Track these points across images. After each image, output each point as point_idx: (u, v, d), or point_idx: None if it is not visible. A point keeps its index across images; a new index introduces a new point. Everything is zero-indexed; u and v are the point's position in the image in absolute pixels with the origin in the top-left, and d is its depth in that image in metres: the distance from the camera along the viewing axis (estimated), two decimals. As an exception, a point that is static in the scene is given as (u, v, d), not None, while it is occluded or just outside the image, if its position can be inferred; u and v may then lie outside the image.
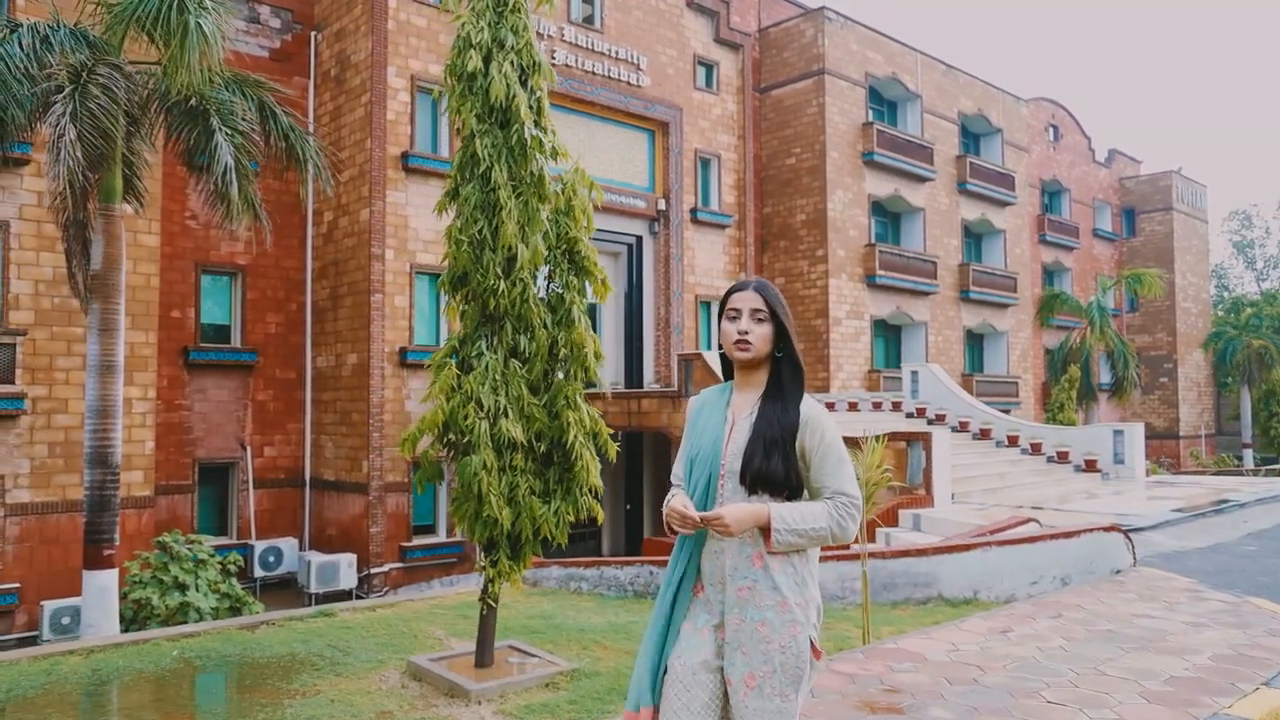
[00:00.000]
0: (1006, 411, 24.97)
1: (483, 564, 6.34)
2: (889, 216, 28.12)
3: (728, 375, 3.12)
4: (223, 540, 17.48)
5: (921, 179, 27.48)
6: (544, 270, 6.49)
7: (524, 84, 6.44)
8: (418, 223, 18.04)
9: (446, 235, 6.42)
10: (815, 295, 25.19)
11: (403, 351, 17.58)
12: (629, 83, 21.35)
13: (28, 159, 13.87)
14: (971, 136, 31.17)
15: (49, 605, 13.68)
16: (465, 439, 6.03)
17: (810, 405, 2.91)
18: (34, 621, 14.03)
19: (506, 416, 6.02)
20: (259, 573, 17.00)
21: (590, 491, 6.47)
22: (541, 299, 6.45)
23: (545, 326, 6.26)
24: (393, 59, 17.75)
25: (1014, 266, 30.98)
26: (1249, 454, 38.32)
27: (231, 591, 13.18)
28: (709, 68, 23.70)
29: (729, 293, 3.02)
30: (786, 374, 2.94)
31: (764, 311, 2.91)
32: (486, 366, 6.08)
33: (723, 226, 23.75)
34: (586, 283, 6.61)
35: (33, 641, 13.75)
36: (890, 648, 6.12)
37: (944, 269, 28.04)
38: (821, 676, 5.48)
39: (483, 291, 6.13)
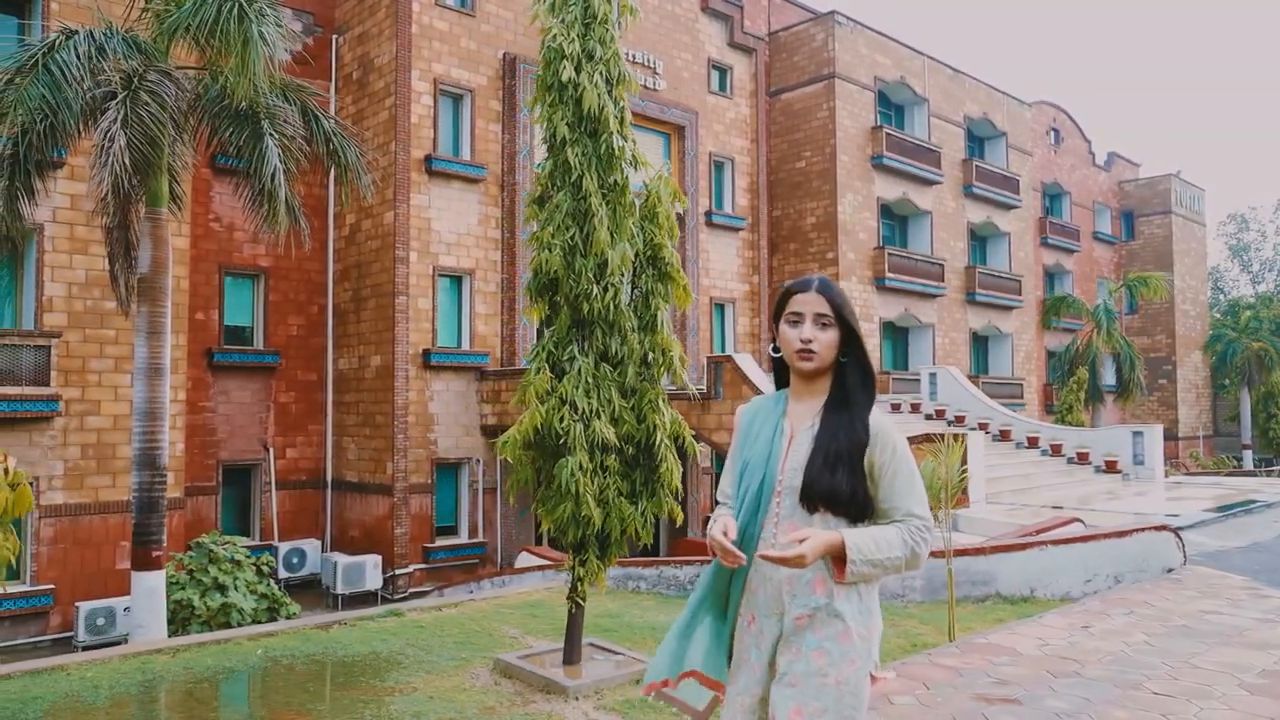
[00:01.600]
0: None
1: (571, 564, 6.47)
2: (896, 219, 28.35)
3: (780, 381, 2.84)
4: (245, 542, 17.53)
5: (929, 182, 27.72)
6: (626, 275, 6.61)
7: (610, 94, 6.57)
8: (440, 225, 18.15)
9: (533, 241, 6.54)
10: (825, 297, 25.33)
11: (426, 353, 17.68)
12: (646, 86, 21.48)
13: (62, 162, 13.91)
14: (976, 140, 31.44)
15: (84, 606, 13.72)
16: (560, 441, 6.15)
17: (880, 417, 2.64)
18: (68, 623, 14.07)
19: (599, 419, 6.15)
20: (283, 574, 17.05)
21: (673, 493, 6.61)
22: (628, 304, 6.58)
23: (635, 330, 6.39)
24: (416, 62, 17.85)
25: (1018, 269, 31.27)
26: (1249, 455, 38.74)
27: (269, 592, 13.26)
28: (723, 72, 23.87)
29: (788, 292, 2.71)
30: (854, 381, 2.67)
31: (829, 316, 2.62)
32: (579, 370, 6.21)
33: (736, 229, 23.92)
34: (669, 288, 6.74)
35: (67, 643, 13.80)
36: (981, 643, 6.30)
37: (950, 271, 28.29)
38: (925, 669, 5.65)
39: (575, 297, 6.26)
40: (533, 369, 6.38)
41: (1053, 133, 36.62)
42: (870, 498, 2.57)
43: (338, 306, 19.01)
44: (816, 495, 2.54)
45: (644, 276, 6.63)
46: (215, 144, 11.39)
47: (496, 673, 6.47)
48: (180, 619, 12.42)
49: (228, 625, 12.50)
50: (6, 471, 4.33)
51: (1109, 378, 30.32)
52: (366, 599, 16.94)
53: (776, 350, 2.77)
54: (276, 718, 5.57)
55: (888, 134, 26.11)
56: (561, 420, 6.11)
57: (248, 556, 13.50)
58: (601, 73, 6.50)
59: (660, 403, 6.53)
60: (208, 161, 16.81)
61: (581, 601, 6.52)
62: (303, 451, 18.78)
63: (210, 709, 5.75)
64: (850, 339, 2.65)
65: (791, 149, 26.04)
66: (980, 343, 30.69)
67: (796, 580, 2.56)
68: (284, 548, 17.44)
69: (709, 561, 2.78)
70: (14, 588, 13.88)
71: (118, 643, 13.60)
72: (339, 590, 16.47)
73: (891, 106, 28.41)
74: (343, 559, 16.72)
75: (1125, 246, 40.58)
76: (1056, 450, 17.64)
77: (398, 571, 17.14)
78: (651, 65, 21.72)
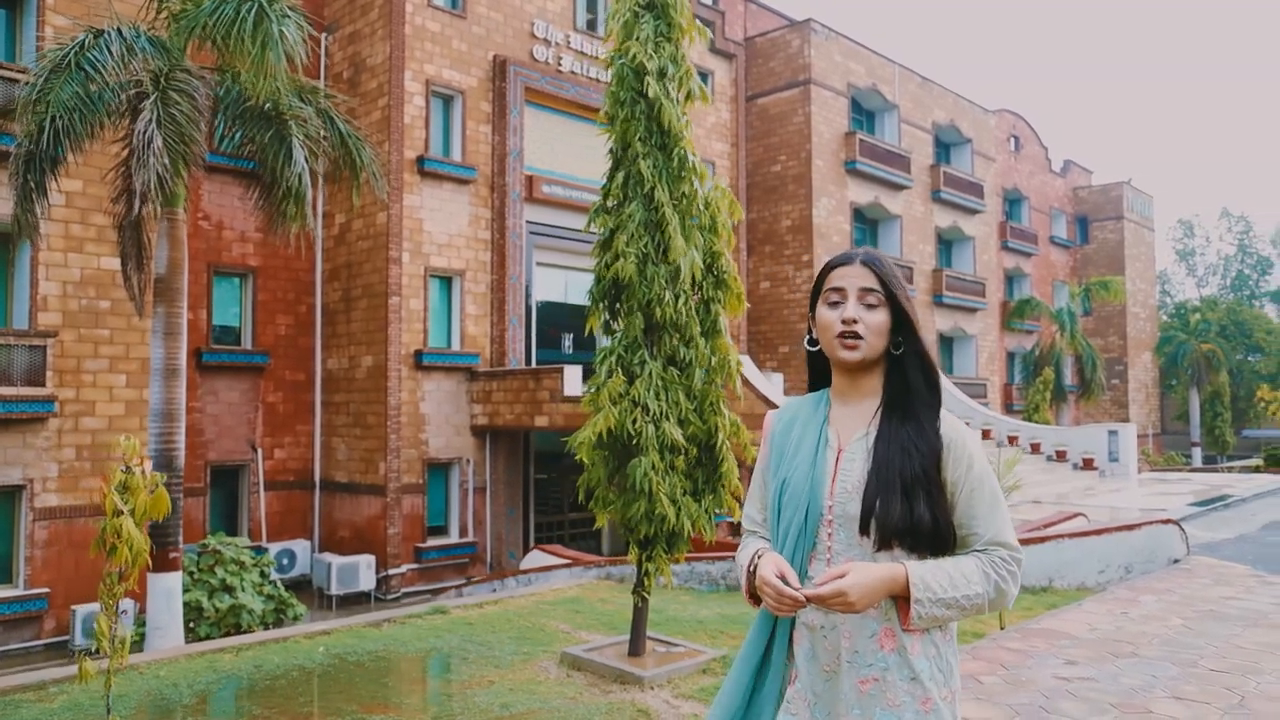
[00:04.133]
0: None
1: (638, 559, 6.68)
2: (868, 223, 28.92)
3: (817, 381, 2.33)
4: (242, 544, 17.43)
5: (899, 187, 28.33)
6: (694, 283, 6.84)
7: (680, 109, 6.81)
8: (432, 226, 18.19)
9: (601, 248, 6.75)
10: (800, 300, 25.82)
11: (418, 354, 17.72)
12: (630, 90, 21.69)
13: (58, 159, 13.73)
14: (944, 146, 32.18)
15: (80, 610, 13.58)
16: (633, 441, 6.37)
17: (953, 423, 2.14)
18: (63, 627, 13.92)
19: (668, 420, 6.38)
20: (273, 575, 16.96)
21: (733, 492, 6.86)
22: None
23: (701, 335, 6.63)
24: (409, 63, 17.87)
25: (982, 272, 32.07)
26: (1197, 452, 40.12)
27: (275, 593, 13.26)
28: (704, 76, 24.16)
29: (828, 268, 2.21)
30: (916, 377, 2.14)
31: (879, 293, 2.12)
32: (650, 374, 6.43)
33: (716, 232, 24.21)
34: (725, 295, 6.98)
35: (62, 648, 13.65)
36: (1036, 628, 6.68)
37: (919, 274, 28.95)
38: (996, 652, 6.00)
39: (647, 303, 6.48)
40: (602, 371, 6.58)
41: (1013, 140, 37.58)
42: (953, 528, 2.07)
43: (327, 306, 18.96)
44: (889, 530, 2.01)
45: (705, 284, 6.86)
46: (241, 145, 11.37)
47: (565, 666, 6.66)
48: (187, 621, 12.37)
49: (238, 626, 12.49)
50: (144, 474, 4.45)
51: (1068, 377, 31.31)
52: (360, 600, 16.95)
53: (813, 343, 2.26)
54: (369, 711, 5.71)
55: (861, 139, 26.65)
56: (634, 422, 6.33)
57: (252, 557, 13.48)
58: (675, 88, 6.73)
59: (721, 405, 6.77)
60: (199, 162, 16.65)
61: (647, 596, 6.75)
62: (291, 452, 18.70)
63: (302, 704, 5.86)
64: (904, 324, 2.14)
65: (768, 153, 26.46)
66: (946, 344, 31.42)
67: (859, 632, 2.03)
68: (274, 549, 17.34)
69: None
70: (7, 592, 13.69)
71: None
72: (333, 591, 16.46)
73: (863, 112, 28.99)
74: (337, 560, 16.70)
75: (1080, 250, 41.75)
76: (1036, 448, 18.26)
77: (391, 572, 17.16)
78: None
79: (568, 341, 21.57)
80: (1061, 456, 17.84)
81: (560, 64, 20.33)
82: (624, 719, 5.49)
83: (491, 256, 19.08)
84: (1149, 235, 43.82)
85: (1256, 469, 27.20)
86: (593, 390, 6.65)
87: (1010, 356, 34.64)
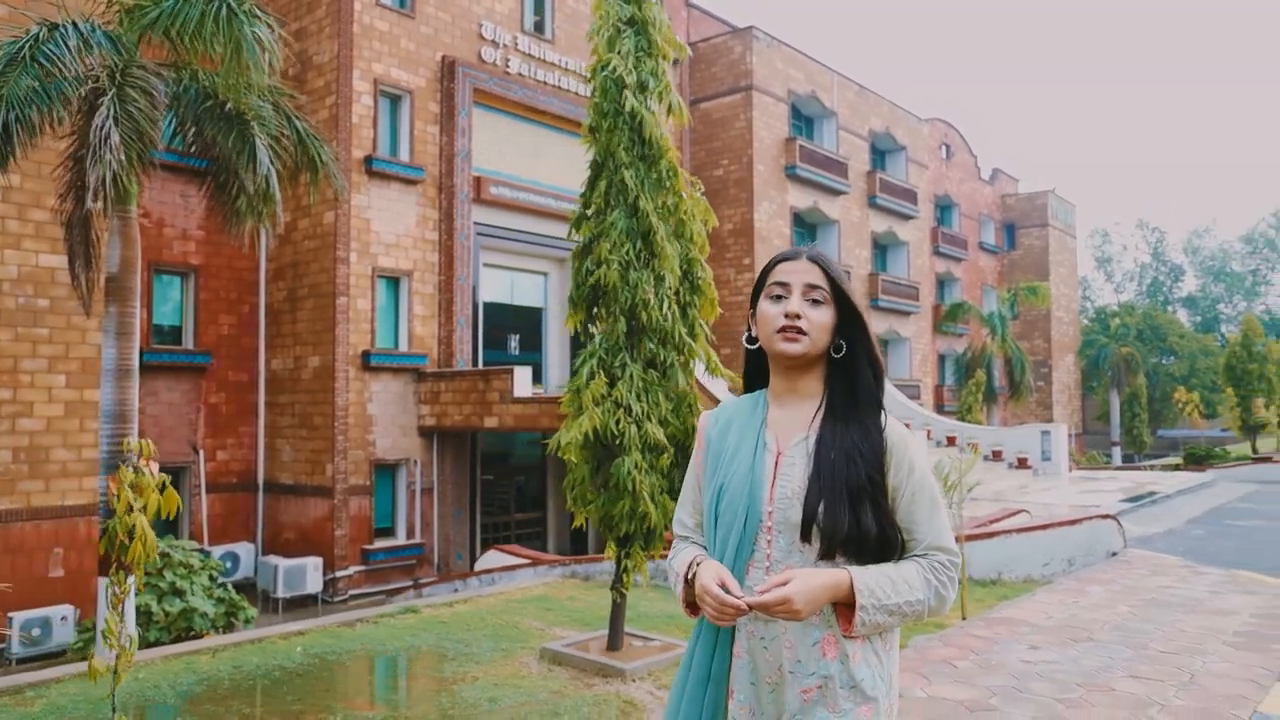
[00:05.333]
0: (918, 413, 26.65)
1: (616, 556, 6.85)
2: (807, 228, 29.48)
3: (752, 381, 2.27)
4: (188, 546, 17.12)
5: (837, 193, 28.95)
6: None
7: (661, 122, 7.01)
8: (379, 226, 18.10)
9: (581, 254, 6.92)
10: (741, 303, 26.21)
11: (365, 354, 17.61)
12: (577, 93, 21.84)
13: (8, 155, 13.38)
14: (879, 153, 32.94)
15: (18, 617, 13.22)
16: (617, 441, 6.54)
17: (895, 426, 2.07)
18: None
19: (649, 421, 6.57)
20: (220, 579, 16.69)
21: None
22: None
23: (683, 338, 6.82)
24: (357, 62, 17.76)
25: (915, 276, 32.92)
26: (1117, 451, 41.71)
27: (226, 596, 13.07)
28: (649, 80, 24.39)
29: (772, 263, 2.17)
30: (860, 378, 2.08)
31: (824, 290, 2.07)
32: (631, 376, 6.60)
33: (661, 234, 24.47)
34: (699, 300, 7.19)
35: (0, 655, 13.28)
36: (997, 618, 7.05)
37: (856, 278, 29.60)
38: (964, 639, 6.31)
39: (632, 307, 6.65)
40: (584, 373, 6.74)
41: (944, 147, 38.61)
42: (900, 535, 2.02)
43: (270, 306, 18.72)
44: (834, 539, 1.94)
45: (682, 290, 7.07)
46: (206, 144, 11.21)
47: (546, 661, 6.80)
48: (136, 625, 12.15)
49: (190, 630, 12.28)
50: (153, 474, 4.51)
51: (997, 379, 32.39)
52: (307, 602, 16.78)
53: (752, 340, 2.22)
54: (356, 707, 5.78)
55: (801, 145, 27.18)
56: (618, 422, 6.50)
57: (201, 560, 13.27)
58: (656, 102, 6.92)
59: (698, 406, 6.98)
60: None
61: (625, 592, 6.92)
62: (234, 454, 18.41)
63: (290, 702, 5.88)
64: (852, 323, 2.09)
65: (710, 157, 26.82)
66: (882, 346, 32.05)
67: (801, 641, 1.97)
68: (217, 551, 17.05)
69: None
70: (-62, 598, 13.26)
71: (58, 654, 13.22)
72: (279, 594, 16.28)
73: (803, 119, 29.54)
74: (283, 562, 16.52)
75: (1007, 256, 43.07)
76: (974, 448, 18.89)
77: (338, 574, 17.03)
78: (583, 73, 22.07)
79: (514, 342, 21.64)
80: (997, 456, 18.50)
81: (508, 66, 20.37)
82: (611, 710, 5.65)
83: (439, 257, 19.04)
84: (1071, 242, 45.39)
85: (1177, 467, 28.48)
86: (573, 391, 6.79)
87: (941, 359, 35.61)
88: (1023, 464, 18.09)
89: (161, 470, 15.57)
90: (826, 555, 1.95)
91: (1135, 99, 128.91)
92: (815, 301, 2.05)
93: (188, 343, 17.93)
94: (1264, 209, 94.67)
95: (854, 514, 1.94)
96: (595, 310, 7.03)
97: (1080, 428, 44.26)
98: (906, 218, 32.41)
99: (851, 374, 2.07)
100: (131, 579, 10.76)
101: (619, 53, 6.84)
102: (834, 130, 29.41)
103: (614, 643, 6.89)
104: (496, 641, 7.39)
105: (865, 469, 1.97)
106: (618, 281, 6.60)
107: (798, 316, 2.02)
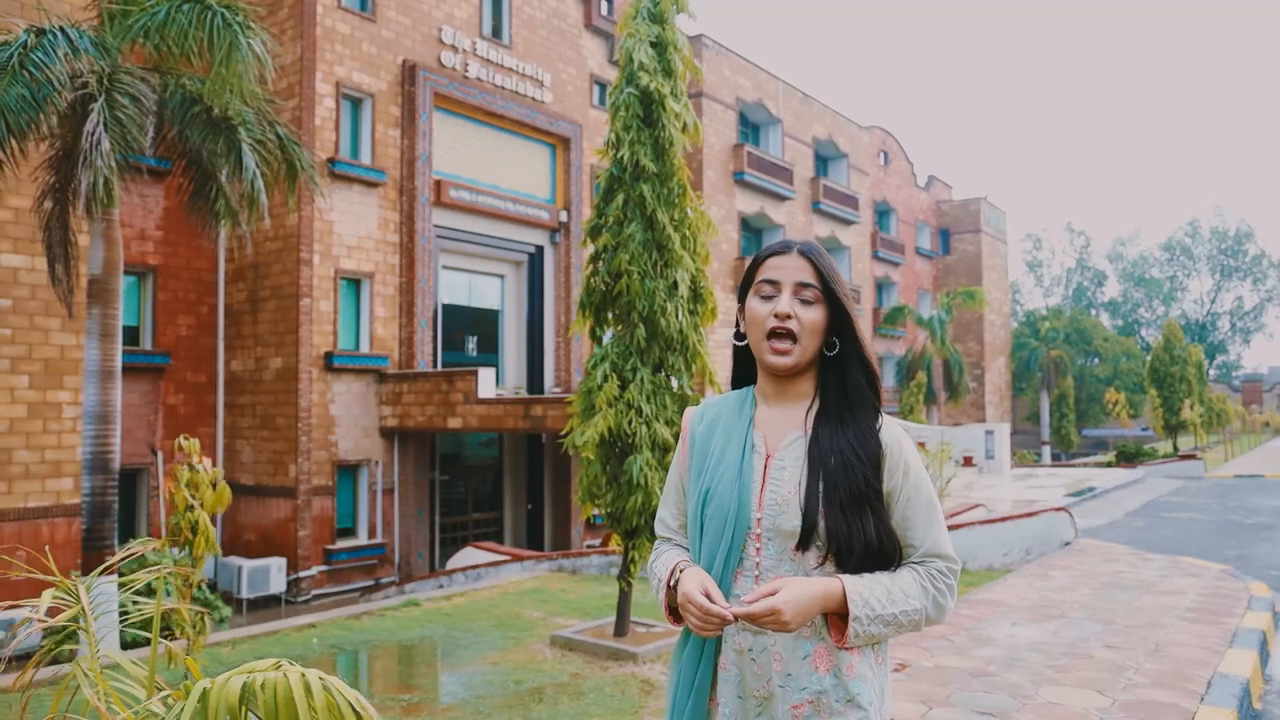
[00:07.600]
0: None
1: (624, 548, 7.25)
2: (753, 232, 30.17)
3: (742, 377, 2.16)
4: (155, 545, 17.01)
5: (783, 198, 29.69)
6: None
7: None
8: (342, 228, 18.19)
9: (592, 261, 7.30)
10: (691, 304, 26.75)
11: (328, 356, 17.69)
12: (534, 98, 22.16)
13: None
14: (822, 160, 33.82)
15: (-19, 619, 13.09)
16: (629, 440, 6.94)
17: (891, 427, 1.98)
18: (-36, 637, 13.36)
19: (658, 421, 6.99)
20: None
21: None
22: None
23: (694, 344, 7.26)
24: (319, 64, 17.84)
25: (856, 281, 33.87)
26: (1046, 450, 43.35)
27: (201, 596, 13.12)
28: (604, 87, 24.79)
29: (761, 256, 2.04)
30: (856, 377, 1.99)
31: (816, 288, 1.96)
32: (641, 379, 7.01)
33: (615, 238, 24.88)
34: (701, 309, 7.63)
35: (-37, 659, 13.11)
36: (976, 599, 7.63)
37: (801, 282, 30.38)
38: (953, 616, 6.83)
39: (648, 315, 7.05)
40: (597, 375, 7.12)
41: (883, 155, 39.72)
42: (898, 543, 1.92)
43: (230, 307, 18.67)
44: (832, 549, 1.86)
45: (688, 299, 7.49)
46: (189, 149, 11.30)
47: (558, 647, 7.16)
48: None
49: (166, 631, 12.32)
50: (207, 471, 4.78)
51: (935, 381, 33.53)
52: (270, 603, 16.80)
53: (740, 337, 2.10)
54: (388, 692, 6.08)
55: (749, 151, 27.84)
56: (630, 423, 6.90)
57: (176, 561, 13.29)
58: (674, 120, 7.35)
59: (698, 404, 7.41)
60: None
61: (632, 581, 7.31)
62: (192, 455, 18.29)
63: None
64: (843, 322, 2.00)
65: (661, 162, 27.30)
66: (825, 348, 32.98)
67: (792, 654, 1.87)
68: (175, 553, 16.98)
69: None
70: (-102, 603, 13.06)
71: (26, 656, 13.11)
72: (243, 594, 16.28)
73: (749, 125, 30.23)
74: (247, 563, 16.52)
75: (942, 261, 44.43)
76: (921, 446, 19.67)
77: (301, 574, 17.08)
78: (539, 78, 22.40)
79: (471, 344, 21.86)
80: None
81: (467, 70, 20.59)
82: (632, 688, 6.05)
83: (400, 259, 19.19)
84: (1003, 248, 47.00)
85: (1109, 464, 29.82)
86: (584, 393, 7.17)
87: (881, 361, 36.67)
88: (968, 462, 18.91)
89: (121, 472, 15.43)
90: (822, 564, 1.88)
91: (1070, 108, 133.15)
92: (806, 301, 1.95)
93: (146, 343, 17.80)
94: (1183, 218, 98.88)
95: (855, 523, 1.86)
96: (603, 315, 7.42)
97: (1012, 427, 45.89)
98: (848, 223, 33.33)
99: (847, 373, 1.99)
100: (113, 580, 10.82)
101: (644, 69, 7.23)
102: (780, 137, 30.16)
103: (621, 629, 7.28)
104: (504, 631, 7.72)
105: (863, 474, 1.88)
106: (639, 290, 7.00)
107: (788, 317, 1.93)
